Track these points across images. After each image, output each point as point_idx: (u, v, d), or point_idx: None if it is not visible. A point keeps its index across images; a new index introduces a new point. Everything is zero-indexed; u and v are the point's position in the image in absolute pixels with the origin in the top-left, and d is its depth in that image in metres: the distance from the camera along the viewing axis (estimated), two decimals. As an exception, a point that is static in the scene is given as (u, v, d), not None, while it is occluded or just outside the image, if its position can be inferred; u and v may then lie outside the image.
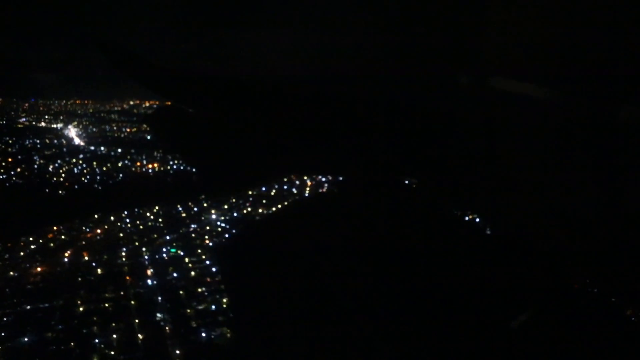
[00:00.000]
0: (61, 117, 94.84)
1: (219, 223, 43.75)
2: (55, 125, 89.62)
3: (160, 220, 43.51)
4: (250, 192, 52.42)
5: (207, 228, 42.38)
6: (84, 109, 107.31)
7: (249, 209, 48.65)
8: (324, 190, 53.46)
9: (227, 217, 45.62)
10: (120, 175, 58.86)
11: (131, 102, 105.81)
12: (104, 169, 60.26)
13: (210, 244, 38.62)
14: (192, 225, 42.77)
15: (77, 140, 77.61)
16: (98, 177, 56.34)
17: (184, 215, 45.49)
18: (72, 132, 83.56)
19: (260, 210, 48.67)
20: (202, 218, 45.00)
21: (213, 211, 46.94)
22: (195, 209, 47.36)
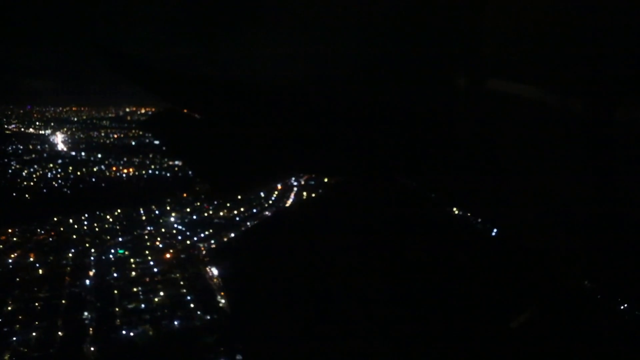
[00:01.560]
0: (52, 124, 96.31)
1: (175, 225, 44.24)
2: (43, 132, 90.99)
3: (118, 222, 44.12)
4: (202, 196, 52.95)
5: (162, 230, 42.90)
6: (78, 115, 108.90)
7: (211, 212, 49.17)
8: (294, 191, 53.74)
9: (186, 220, 46.11)
10: (93, 179, 59.71)
11: (127, 109, 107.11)
12: (78, 173, 61.19)
13: (161, 245, 39.08)
14: (148, 228, 43.32)
15: (60, 146, 78.78)
16: (69, 182, 57.23)
17: (143, 218, 46.07)
18: (58, 138, 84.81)
19: (221, 213, 49.14)
20: (160, 221, 45.54)
21: (173, 214, 47.50)
22: (157, 212, 47.93)
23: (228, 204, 50.62)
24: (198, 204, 50.94)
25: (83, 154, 73.59)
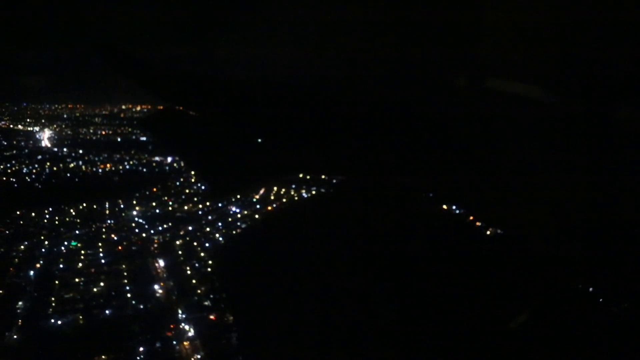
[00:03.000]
0: (43, 121, 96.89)
1: (136, 219, 44.56)
2: (31, 128, 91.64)
3: (79, 216, 44.51)
4: (172, 191, 53.25)
5: (122, 223, 43.21)
6: (72, 112, 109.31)
7: (175, 206, 49.43)
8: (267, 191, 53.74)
9: (149, 214, 46.40)
10: (68, 174, 60.31)
11: (123, 106, 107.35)
12: (54, 169, 61.79)
13: (115, 238, 39.42)
14: (109, 221, 43.67)
15: (44, 142, 79.51)
16: (43, 177, 57.82)
17: (107, 212, 46.42)
18: (45, 134, 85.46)
19: (185, 207, 49.38)
20: (123, 214, 45.87)
21: (137, 208, 47.83)
22: (122, 205, 48.27)
23: (195, 199, 50.86)
24: (165, 198, 51.27)
25: (65, 150, 74.18)
